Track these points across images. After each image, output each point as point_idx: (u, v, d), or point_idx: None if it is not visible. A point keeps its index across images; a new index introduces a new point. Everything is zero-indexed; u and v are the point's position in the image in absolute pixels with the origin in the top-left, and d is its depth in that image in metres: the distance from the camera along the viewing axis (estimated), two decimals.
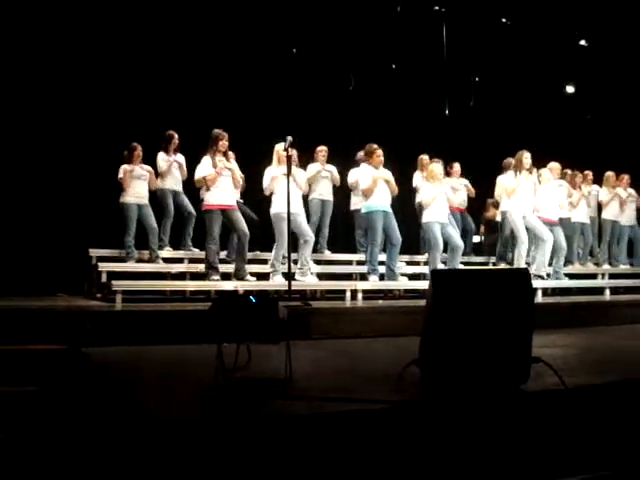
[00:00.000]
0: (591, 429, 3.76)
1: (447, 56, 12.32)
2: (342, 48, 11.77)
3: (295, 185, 8.68)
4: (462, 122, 12.78)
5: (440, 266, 9.46)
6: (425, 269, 10.13)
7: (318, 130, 10.85)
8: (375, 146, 9.43)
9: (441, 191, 9.70)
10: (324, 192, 10.22)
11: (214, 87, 10.76)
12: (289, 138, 8.13)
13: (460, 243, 9.72)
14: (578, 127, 13.66)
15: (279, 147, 8.72)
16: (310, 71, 11.63)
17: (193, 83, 10.62)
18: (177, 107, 10.29)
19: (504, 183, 10.46)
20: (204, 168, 8.59)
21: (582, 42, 13.51)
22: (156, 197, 9.55)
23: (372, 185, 9.20)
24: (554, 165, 10.70)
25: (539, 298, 9.33)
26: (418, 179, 10.72)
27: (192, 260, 9.56)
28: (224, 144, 8.70)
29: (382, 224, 9.21)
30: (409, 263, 10.39)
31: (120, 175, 9.18)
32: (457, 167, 11.26)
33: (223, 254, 9.30)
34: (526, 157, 10.04)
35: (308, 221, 9.45)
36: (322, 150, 10.18)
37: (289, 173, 8.09)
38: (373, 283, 9.23)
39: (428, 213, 9.67)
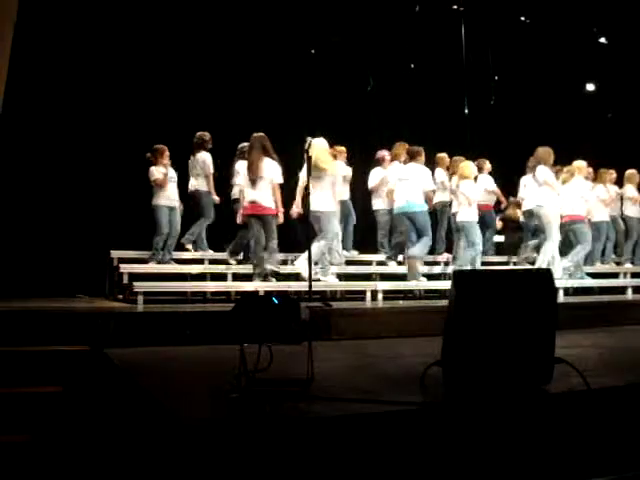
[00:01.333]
0: (615, 430, 3.73)
1: (466, 55, 12.29)
2: (360, 48, 11.78)
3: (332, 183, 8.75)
4: (482, 121, 12.74)
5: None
6: (447, 269, 10.12)
7: (337, 130, 10.84)
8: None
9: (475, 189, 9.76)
10: (342, 193, 10.18)
11: (233, 89, 10.80)
12: (309, 139, 8.13)
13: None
14: (599, 125, 13.56)
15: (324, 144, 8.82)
16: (329, 72, 11.63)
17: (213, 85, 10.67)
18: (199, 109, 10.35)
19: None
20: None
21: (602, 39, 13.41)
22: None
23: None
24: (581, 164, 10.60)
25: (561, 298, 9.28)
26: (442, 175, 10.66)
27: (212, 261, 9.61)
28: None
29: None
30: (428, 263, 10.36)
31: (157, 176, 9.19)
32: (488, 165, 11.24)
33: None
34: (549, 153, 9.99)
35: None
36: (342, 151, 10.17)
37: (309, 174, 8.08)
38: (393, 283, 9.23)
39: (467, 213, 9.66)
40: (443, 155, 10.83)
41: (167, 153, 9.32)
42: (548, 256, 9.82)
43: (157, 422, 3.54)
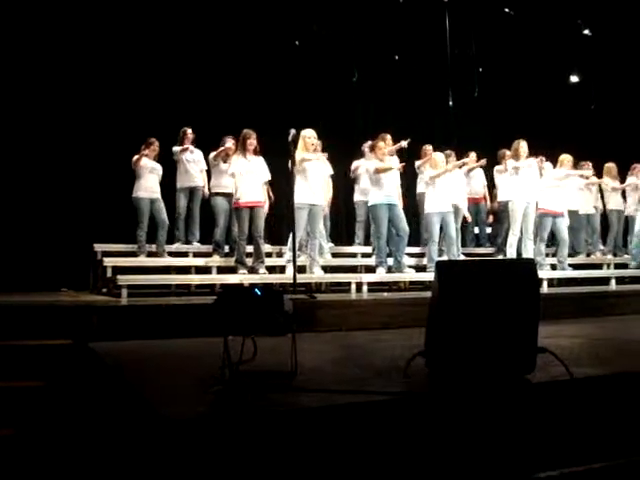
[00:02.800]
0: (598, 419, 3.75)
1: (450, 47, 12.29)
2: (345, 40, 11.76)
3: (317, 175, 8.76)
4: (466, 112, 12.76)
5: (436, 258, 9.51)
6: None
7: (321, 122, 10.82)
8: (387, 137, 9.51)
9: (443, 181, 9.71)
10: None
11: (218, 81, 10.76)
12: (292, 131, 8.12)
13: (453, 236, 9.74)
14: (582, 117, 13.61)
15: (305, 133, 8.73)
16: (313, 63, 11.61)
17: (197, 79, 10.63)
18: (184, 101, 10.33)
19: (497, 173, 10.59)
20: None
21: (586, 31, 13.45)
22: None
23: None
24: (565, 157, 10.64)
25: (544, 289, 9.33)
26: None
27: (196, 254, 9.60)
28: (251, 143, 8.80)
29: (387, 217, 9.21)
30: (413, 255, 10.38)
31: (134, 159, 9.22)
32: (473, 156, 11.28)
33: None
34: (522, 146, 10.02)
35: None
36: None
37: (293, 165, 8.08)
38: (378, 275, 9.24)
39: (428, 204, 9.70)
40: (426, 147, 10.82)
41: (153, 147, 9.33)
42: (513, 248, 9.94)
43: (141, 416, 3.53)
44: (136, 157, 9.19)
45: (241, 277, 8.44)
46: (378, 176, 9.21)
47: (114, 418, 4.05)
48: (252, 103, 10.76)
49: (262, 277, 8.58)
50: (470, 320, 3.90)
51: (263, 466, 3.03)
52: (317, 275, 8.91)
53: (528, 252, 9.85)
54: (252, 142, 8.75)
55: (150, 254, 9.28)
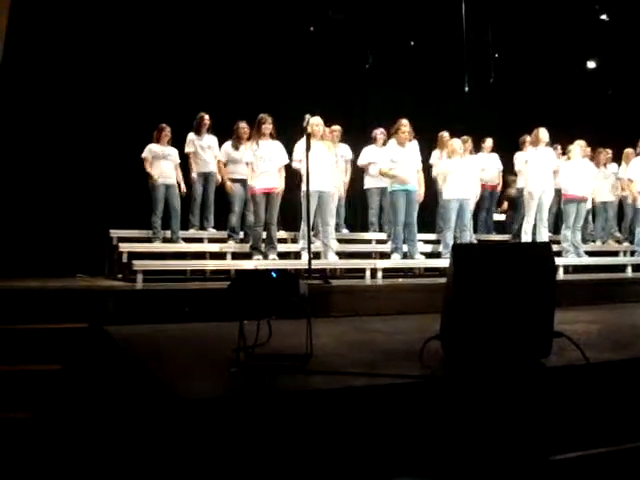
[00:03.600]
0: (613, 403, 3.74)
1: (466, 32, 12.20)
2: (360, 25, 11.70)
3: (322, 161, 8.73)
4: (482, 98, 12.69)
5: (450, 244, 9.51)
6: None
7: (336, 108, 10.81)
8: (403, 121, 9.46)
9: (461, 167, 9.68)
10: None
11: (232, 67, 10.75)
12: (307, 116, 8.11)
13: (467, 223, 9.72)
14: (599, 102, 13.50)
15: (314, 121, 8.68)
16: (327, 49, 11.56)
17: (211, 65, 10.63)
18: (198, 87, 10.33)
19: (517, 159, 10.53)
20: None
21: (603, 16, 13.31)
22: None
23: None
24: (581, 142, 10.59)
25: (560, 275, 9.29)
26: (435, 157, 10.68)
27: (211, 240, 9.62)
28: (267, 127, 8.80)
29: (404, 203, 9.21)
30: (428, 242, 10.36)
31: (143, 155, 9.26)
32: (489, 142, 11.25)
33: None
34: (543, 133, 9.97)
35: None
36: (335, 130, 10.12)
37: (308, 151, 8.07)
38: (393, 261, 9.24)
39: (446, 190, 9.68)
40: (443, 134, 10.78)
41: (165, 132, 9.37)
42: (528, 235, 9.92)
43: (157, 398, 3.54)
44: (145, 153, 9.36)
45: (255, 263, 8.45)
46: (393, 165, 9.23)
47: (130, 400, 4.07)
48: (267, 88, 10.74)
49: (277, 262, 8.59)
50: (486, 304, 3.89)
51: (278, 447, 3.04)
52: (331, 261, 8.91)
53: (542, 239, 9.80)
54: (267, 127, 8.73)
55: (165, 240, 9.31)
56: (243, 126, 9.37)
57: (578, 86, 13.34)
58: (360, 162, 10.55)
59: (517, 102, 12.81)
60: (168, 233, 9.35)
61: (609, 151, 11.44)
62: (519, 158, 10.78)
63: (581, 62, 13.73)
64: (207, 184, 9.81)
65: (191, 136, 9.75)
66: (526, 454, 3.38)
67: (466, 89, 12.51)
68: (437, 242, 10.41)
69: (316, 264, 8.24)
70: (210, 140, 9.78)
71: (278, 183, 8.84)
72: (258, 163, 8.68)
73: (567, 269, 10.14)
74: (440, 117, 11.78)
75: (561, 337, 4.03)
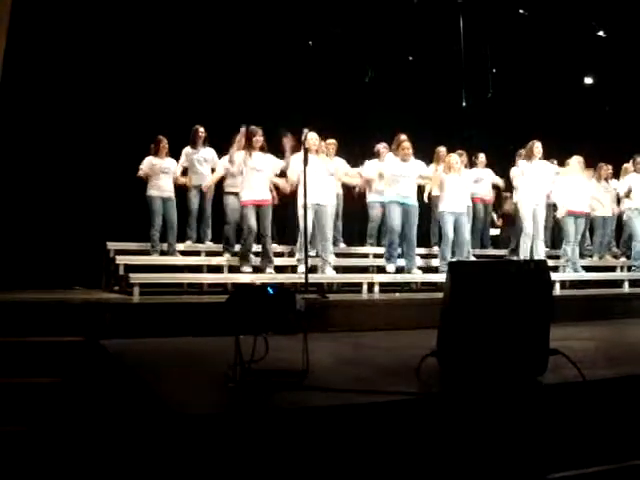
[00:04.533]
0: (609, 421, 3.74)
1: (464, 47, 12.26)
2: (359, 40, 11.75)
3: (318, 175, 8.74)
4: (480, 114, 12.73)
5: (449, 258, 9.53)
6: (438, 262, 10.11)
7: (334, 122, 10.82)
8: (402, 137, 9.48)
9: (457, 182, 9.69)
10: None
11: (230, 81, 10.78)
12: (306, 130, 8.13)
13: (465, 237, 9.72)
14: (596, 118, 13.55)
15: (310, 136, 8.75)
16: (326, 63, 11.60)
17: (210, 77, 10.65)
18: (197, 100, 10.34)
19: (513, 174, 10.54)
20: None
21: (600, 33, 13.38)
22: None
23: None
24: (579, 158, 10.60)
25: (557, 291, 9.29)
26: (431, 171, 10.62)
27: (209, 253, 9.62)
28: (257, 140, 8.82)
29: (400, 214, 9.22)
30: (425, 256, 10.36)
31: (143, 168, 9.31)
32: (482, 157, 11.26)
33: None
34: (537, 147, 9.99)
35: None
36: (331, 143, 10.12)
37: (306, 164, 8.08)
38: (390, 276, 9.24)
39: (442, 203, 9.69)
40: (440, 149, 10.77)
41: (162, 144, 9.39)
42: (526, 251, 9.91)
43: (153, 413, 3.54)
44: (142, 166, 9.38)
45: (253, 277, 8.45)
46: (393, 178, 9.25)
47: (126, 415, 4.06)
48: (265, 102, 10.76)
49: (274, 276, 8.59)
50: (482, 320, 3.89)
51: (274, 464, 3.03)
52: (329, 275, 8.91)
53: (539, 254, 9.81)
54: (258, 139, 8.75)
55: (162, 253, 9.31)
56: (239, 138, 9.35)
57: (575, 102, 13.39)
58: (366, 174, 10.51)
59: (515, 117, 12.84)
60: (165, 246, 9.34)
61: (609, 167, 11.45)
62: (515, 173, 10.76)
63: (578, 78, 13.79)
64: (203, 197, 9.79)
65: (187, 150, 9.75)
66: (523, 472, 3.38)
67: (464, 104, 12.55)
68: (433, 256, 10.40)
69: (313, 278, 8.25)
70: (206, 153, 9.79)
71: (269, 195, 8.85)
72: (248, 175, 8.68)
73: (564, 284, 10.14)
74: (438, 131, 11.79)
75: (557, 354, 4.03)
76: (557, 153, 10.65)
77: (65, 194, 9.54)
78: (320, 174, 8.86)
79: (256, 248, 8.96)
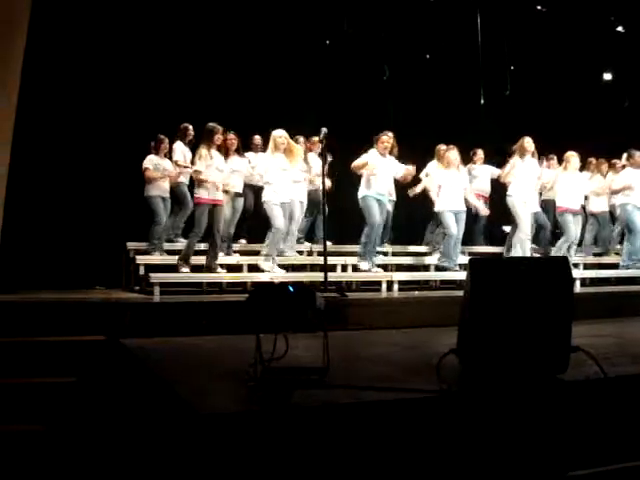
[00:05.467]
0: (632, 418, 3.72)
1: (482, 45, 12.21)
2: (376, 38, 11.72)
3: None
4: (498, 111, 12.68)
5: (459, 254, 9.60)
6: (464, 259, 10.03)
7: (353, 121, 10.82)
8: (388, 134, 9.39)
9: (456, 178, 9.65)
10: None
11: (247, 81, 10.78)
12: (324, 130, 8.13)
13: (459, 234, 9.68)
14: (615, 114, 13.45)
15: (276, 133, 8.78)
16: (344, 62, 11.59)
17: (227, 78, 10.66)
18: (209, 100, 10.33)
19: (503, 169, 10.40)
20: None
21: (619, 28, 13.29)
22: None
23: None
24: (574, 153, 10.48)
25: (577, 288, 9.23)
26: (431, 168, 10.54)
27: (228, 253, 9.63)
28: (219, 138, 8.78)
29: (378, 209, 9.21)
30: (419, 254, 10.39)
31: (146, 165, 9.37)
32: (480, 153, 11.09)
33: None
34: (527, 142, 9.90)
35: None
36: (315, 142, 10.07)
37: (324, 164, 8.09)
38: (409, 274, 9.24)
39: (440, 201, 9.64)
40: (439, 146, 10.61)
41: (164, 145, 9.41)
42: (518, 248, 9.82)
43: (174, 411, 3.55)
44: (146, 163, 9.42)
45: (271, 275, 8.46)
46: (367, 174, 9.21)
47: (147, 414, 4.08)
48: (283, 102, 10.77)
49: (292, 275, 8.61)
50: (503, 318, 3.88)
51: (296, 461, 3.04)
52: (348, 274, 8.91)
53: (525, 251, 9.70)
54: (219, 137, 8.75)
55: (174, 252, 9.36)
56: (231, 137, 9.39)
57: (594, 98, 13.30)
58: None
59: (533, 114, 12.77)
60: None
61: (617, 161, 11.30)
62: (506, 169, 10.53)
63: (597, 74, 13.68)
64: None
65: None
66: (545, 470, 3.37)
67: (482, 101, 12.50)
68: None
69: (332, 277, 8.25)
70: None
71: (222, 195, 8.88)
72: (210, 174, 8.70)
73: (584, 281, 10.08)
74: (455, 129, 11.73)
75: (578, 351, 4.02)
76: (576, 150, 10.55)
77: (86, 194, 9.57)
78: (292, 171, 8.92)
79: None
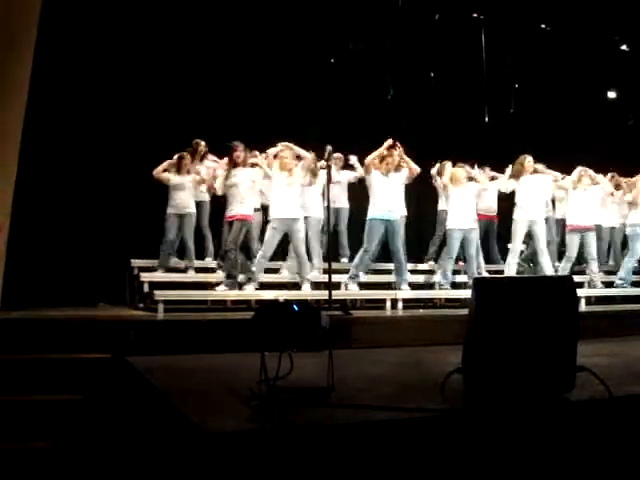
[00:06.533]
0: (638, 438, 3.70)
1: (486, 63, 12.25)
2: (380, 57, 11.77)
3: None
4: (502, 129, 12.70)
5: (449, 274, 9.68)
6: (466, 278, 10.04)
7: (356, 138, 10.84)
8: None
9: (463, 195, 9.64)
10: (336, 199, 10.06)
11: (252, 97, 10.83)
12: (329, 147, 8.16)
13: (471, 253, 9.65)
14: (620, 132, 13.47)
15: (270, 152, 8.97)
16: (348, 81, 11.64)
17: (233, 94, 10.70)
18: (219, 117, 10.38)
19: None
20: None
21: (623, 47, 13.33)
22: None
23: None
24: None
25: (583, 307, 9.21)
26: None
27: None
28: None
29: (380, 232, 9.19)
30: (424, 272, 10.37)
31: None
32: (488, 171, 11.13)
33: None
34: (528, 161, 9.91)
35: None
36: (337, 158, 10.10)
37: (329, 182, 8.12)
38: (413, 292, 9.23)
39: (450, 220, 9.63)
40: (445, 163, 10.62)
41: (184, 161, 9.44)
42: (511, 267, 9.89)
43: (179, 431, 3.55)
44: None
45: (276, 293, 8.47)
46: (371, 191, 9.23)
47: (152, 432, 4.08)
48: (288, 119, 10.81)
49: (296, 293, 8.60)
50: (508, 337, 3.87)
51: None
52: (352, 292, 8.91)
53: (545, 271, 9.67)
54: (239, 154, 8.94)
55: (180, 270, 9.38)
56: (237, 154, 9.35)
57: (598, 116, 13.32)
58: None
59: (537, 132, 12.80)
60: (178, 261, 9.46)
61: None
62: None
63: (601, 92, 13.72)
64: (182, 224, 9.67)
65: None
66: None
67: (486, 119, 12.53)
68: (457, 272, 10.33)
69: (336, 295, 8.25)
70: (179, 179, 9.70)
71: (251, 211, 8.93)
72: (231, 191, 8.73)
73: (589, 300, 10.06)
74: (460, 147, 11.75)
75: (584, 371, 4.00)
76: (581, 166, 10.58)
77: (89, 212, 9.60)
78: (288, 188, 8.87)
79: None
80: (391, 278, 10.17)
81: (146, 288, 8.64)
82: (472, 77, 12.36)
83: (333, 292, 7.89)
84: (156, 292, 8.00)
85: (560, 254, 10.80)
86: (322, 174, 9.09)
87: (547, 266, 9.80)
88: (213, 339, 6.30)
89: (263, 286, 8.98)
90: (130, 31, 9.96)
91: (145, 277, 8.77)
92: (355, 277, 9.14)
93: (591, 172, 10.34)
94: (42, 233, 9.22)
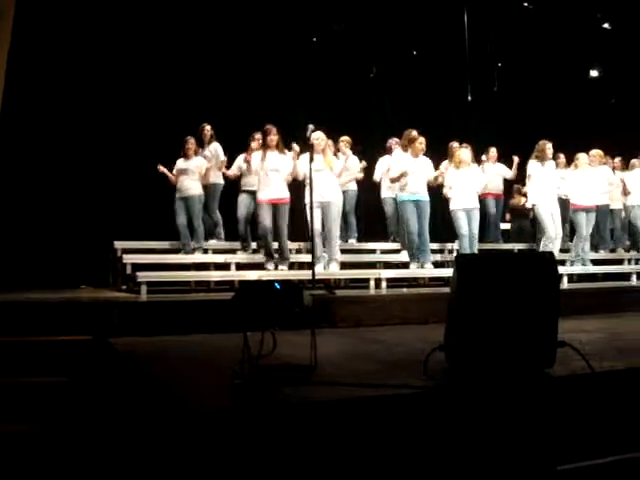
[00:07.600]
0: (618, 413, 3.73)
1: (469, 41, 12.22)
2: (363, 35, 11.73)
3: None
4: (485, 108, 12.70)
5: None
6: (450, 257, 10.07)
7: (340, 118, 10.81)
8: (415, 133, 9.37)
9: (467, 176, 9.65)
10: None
11: (234, 79, 10.77)
12: (310, 126, 8.11)
13: (474, 232, 9.68)
14: (603, 111, 13.50)
15: (315, 135, 8.57)
16: (331, 59, 11.59)
17: (214, 76, 10.64)
18: (200, 100, 10.32)
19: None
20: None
21: (605, 25, 13.33)
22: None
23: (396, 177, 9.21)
24: (596, 152, 10.55)
25: (564, 284, 9.26)
26: (445, 167, 10.56)
27: (215, 251, 9.61)
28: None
29: (415, 212, 9.18)
30: (434, 251, 10.32)
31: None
32: (493, 152, 11.18)
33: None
34: (549, 147, 9.91)
35: None
36: (344, 140, 10.06)
37: (311, 160, 8.07)
38: (397, 271, 9.23)
39: (453, 201, 9.64)
40: (452, 144, 10.64)
41: (187, 145, 9.39)
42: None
43: (161, 409, 3.54)
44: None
45: (260, 273, 8.45)
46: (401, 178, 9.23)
47: (135, 412, 4.07)
48: (271, 99, 10.76)
49: (281, 273, 8.58)
50: (489, 314, 3.88)
51: (281, 458, 3.03)
52: (334, 271, 8.88)
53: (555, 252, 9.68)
54: (272, 138, 8.71)
55: (175, 251, 9.35)
56: (258, 137, 9.26)
57: (581, 95, 13.34)
58: (377, 176, 10.47)
59: (520, 111, 12.81)
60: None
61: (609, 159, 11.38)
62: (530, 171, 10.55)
63: (584, 71, 13.73)
64: (188, 207, 9.70)
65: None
66: (533, 464, 3.37)
67: (469, 98, 12.52)
68: (441, 251, 10.38)
69: (320, 274, 8.23)
70: (181, 164, 9.67)
71: (285, 194, 8.79)
72: (264, 174, 8.68)
73: (571, 278, 10.10)
74: (443, 126, 11.75)
75: (565, 347, 4.02)
76: (563, 147, 10.61)
77: (71, 193, 9.55)
78: (324, 172, 8.78)
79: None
80: (375, 257, 10.20)
81: (129, 270, 8.59)
82: (455, 55, 12.34)
83: (317, 272, 7.87)
84: (139, 274, 7.96)
85: None
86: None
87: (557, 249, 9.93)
88: (196, 320, 6.28)
89: (245, 267, 8.98)
90: (118, 17, 9.92)
91: (128, 259, 8.72)
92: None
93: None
94: (24, 215, 9.17)
